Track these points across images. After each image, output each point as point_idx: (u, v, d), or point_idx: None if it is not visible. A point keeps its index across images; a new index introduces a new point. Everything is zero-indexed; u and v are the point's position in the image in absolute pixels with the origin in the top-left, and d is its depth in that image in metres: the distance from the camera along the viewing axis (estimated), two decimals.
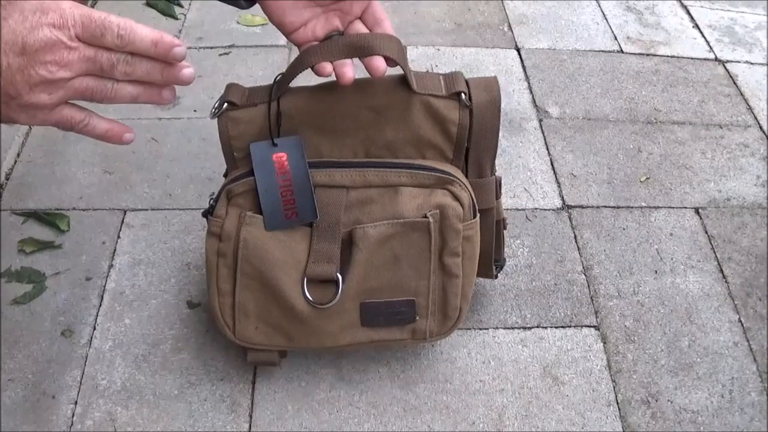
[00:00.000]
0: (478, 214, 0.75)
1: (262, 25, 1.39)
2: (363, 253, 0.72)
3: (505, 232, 0.85)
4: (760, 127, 1.24)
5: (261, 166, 0.71)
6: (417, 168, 0.72)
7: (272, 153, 0.72)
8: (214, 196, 0.74)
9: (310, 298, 0.72)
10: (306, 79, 0.72)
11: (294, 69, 0.69)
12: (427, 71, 0.76)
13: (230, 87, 0.74)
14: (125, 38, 0.51)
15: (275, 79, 0.71)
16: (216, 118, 0.72)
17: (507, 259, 0.97)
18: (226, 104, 0.72)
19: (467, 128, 0.73)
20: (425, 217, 0.71)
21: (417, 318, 0.75)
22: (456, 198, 0.72)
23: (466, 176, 0.75)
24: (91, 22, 0.50)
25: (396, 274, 0.73)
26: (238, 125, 0.72)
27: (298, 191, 0.71)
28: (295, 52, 1.39)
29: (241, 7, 0.72)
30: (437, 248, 0.73)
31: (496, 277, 0.87)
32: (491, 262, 0.83)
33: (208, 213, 0.74)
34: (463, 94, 0.72)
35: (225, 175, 0.77)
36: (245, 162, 0.73)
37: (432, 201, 0.72)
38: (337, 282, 0.72)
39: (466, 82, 0.73)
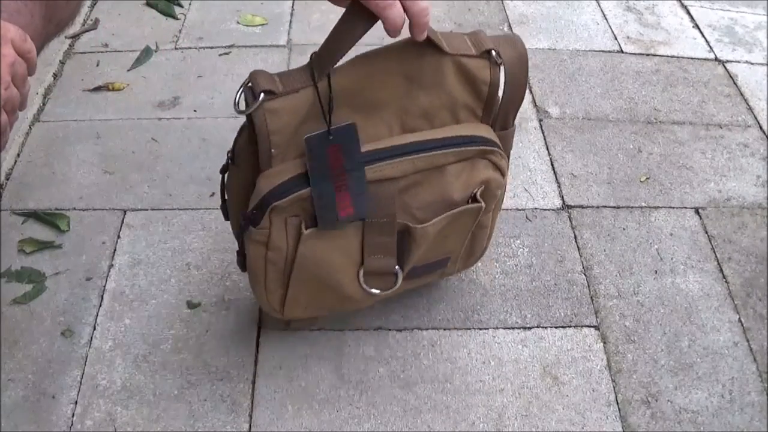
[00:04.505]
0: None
1: (262, 25, 1.39)
2: (422, 248, 0.74)
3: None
4: (760, 127, 1.24)
5: (316, 163, 0.64)
6: (461, 144, 0.70)
7: (327, 146, 0.64)
8: (254, 206, 0.67)
9: (368, 289, 0.75)
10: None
11: (338, 35, 0.61)
12: (451, 31, 0.74)
13: (258, 74, 0.64)
14: None
15: (311, 56, 0.63)
16: (250, 113, 0.63)
17: (507, 259, 0.97)
18: (262, 94, 0.62)
19: (497, 86, 0.71)
20: (475, 200, 0.73)
21: (448, 264, 0.82)
22: (497, 168, 0.73)
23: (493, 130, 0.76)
24: None
25: (444, 247, 0.78)
26: (279, 117, 0.64)
27: (352, 186, 0.66)
28: (295, 53, 1.39)
29: None
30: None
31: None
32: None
33: (249, 224, 0.68)
34: (493, 52, 0.69)
35: (222, 171, 0.73)
36: (279, 159, 0.66)
37: (476, 177, 0.72)
38: (395, 273, 0.75)
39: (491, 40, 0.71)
